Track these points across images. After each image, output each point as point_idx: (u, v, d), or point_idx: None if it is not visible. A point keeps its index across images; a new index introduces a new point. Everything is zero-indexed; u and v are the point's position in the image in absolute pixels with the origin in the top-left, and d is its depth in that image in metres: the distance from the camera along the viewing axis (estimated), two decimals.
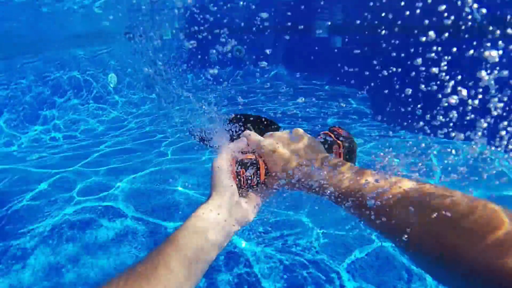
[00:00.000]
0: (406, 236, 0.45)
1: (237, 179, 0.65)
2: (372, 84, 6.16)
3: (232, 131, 0.77)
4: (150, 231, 2.18)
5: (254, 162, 0.66)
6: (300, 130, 0.70)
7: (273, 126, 0.82)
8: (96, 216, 2.31)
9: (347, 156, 0.71)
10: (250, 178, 0.65)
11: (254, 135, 0.71)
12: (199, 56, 7.37)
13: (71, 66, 5.31)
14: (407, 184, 0.50)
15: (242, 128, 0.78)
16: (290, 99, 5.71)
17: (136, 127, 4.87)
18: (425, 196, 0.46)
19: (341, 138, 0.72)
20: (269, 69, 7.64)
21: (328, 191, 0.58)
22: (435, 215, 0.42)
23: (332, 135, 0.73)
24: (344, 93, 6.12)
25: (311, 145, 0.67)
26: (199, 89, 6.94)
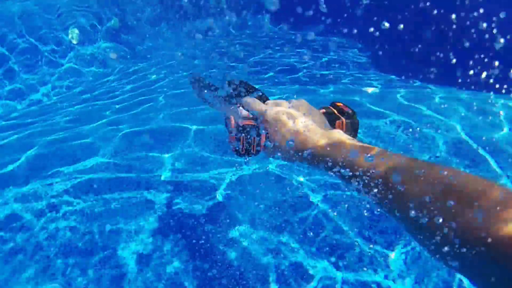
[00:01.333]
0: (418, 214, 0.43)
1: (236, 145, 0.65)
2: (370, 32, 5.59)
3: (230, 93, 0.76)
4: None
5: (256, 128, 0.65)
6: (305, 101, 0.69)
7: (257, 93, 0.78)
8: None
9: (349, 132, 0.69)
10: (250, 144, 0.65)
11: (256, 102, 0.69)
12: (175, 5, 6.61)
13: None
14: (417, 162, 0.49)
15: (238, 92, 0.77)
16: (278, 50, 5.09)
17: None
18: (440, 175, 0.44)
19: (344, 114, 0.70)
20: (254, 18, 6.90)
21: (332, 166, 0.56)
22: (452, 194, 0.41)
23: (335, 111, 0.71)
24: (338, 43, 5.52)
25: (315, 118, 0.66)
26: (177, 42, 6.21)
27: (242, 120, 0.66)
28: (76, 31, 5.41)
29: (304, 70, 3.94)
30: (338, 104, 0.73)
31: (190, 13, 6.72)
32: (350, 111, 0.71)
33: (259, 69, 4.09)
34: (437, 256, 0.43)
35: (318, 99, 2.77)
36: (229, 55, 5.02)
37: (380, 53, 4.73)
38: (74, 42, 5.36)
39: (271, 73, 3.87)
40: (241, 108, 0.72)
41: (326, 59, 4.51)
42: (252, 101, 0.70)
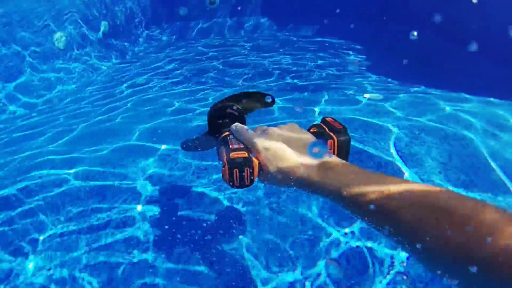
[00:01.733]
0: (415, 241, 0.45)
1: (230, 179, 0.63)
2: (369, 33, 5.39)
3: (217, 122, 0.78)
4: None
5: (248, 160, 0.63)
6: (295, 125, 0.68)
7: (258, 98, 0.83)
8: None
9: (341, 151, 0.67)
10: (243, 176, 0.63)
11: (244, 130, 0.68)
12: (165, 8, 6.39)
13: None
14: (411, 186, 0.49)
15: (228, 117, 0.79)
16: (275, 53, 4.86)
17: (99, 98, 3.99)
18: (433, 198, 0.46)
19: (336, 132, 0.67)
20: (248, 20, 6.67)
21: (326, 193, 0.57)
22: (445, 218, 0.42)
23: (326, 128, 0.69)
24: (336, 45, 5.31)
25: (306, 142, 0.64)
26: (167, 46, 5.98)
27: (233, 153, 0.64)
28: (63, 36, 5.18)
29: (300, 74, 3.72)
30: (328, 119, 0.71)
31: (182, 15, 6.50)
32: (340, 127, 0.68)
33: (250, 73, 3.86)
34: (433, 272, 0.45)
35: (314, 105, 2.55)
36: (219, 58, 4.79)
37: (380, 55, 4.53)
38: (61, 47, 5.13)
39: (264, 78, 3.65)
40: (231, 137, 0.69)
41: (324, 61, 4.29)
42: (241, 129, 0.68)
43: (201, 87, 3.51)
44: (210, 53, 5.16)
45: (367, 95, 2.65)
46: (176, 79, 3.97)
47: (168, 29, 6.52)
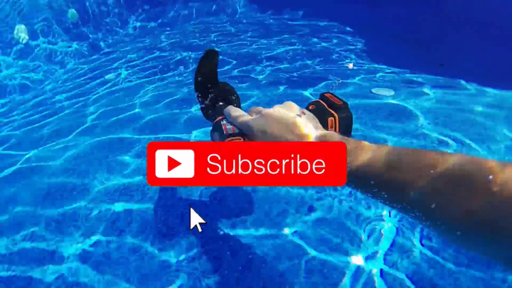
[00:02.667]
0: (433, 214, 0.41)
1: None
2: (366, 13, 5.01)
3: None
4: None
5: None
6: (293, 104, 0.63)
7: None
8: None
9: (343, 128, 0.63)
10: None
11: (239, 113, 0.64)
12: None
13: None
14: (420, 154, 0.44)
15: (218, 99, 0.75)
16: (260, 38, 4.45)
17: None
18: (446, 165, 0.41)
19: (336, 108, 0.63)
20: (230, 2, 6.18)
21: None
22: (463, 186, 0.38)
23: (325, 105, 0.64)
24: (327, 28, 4.91)
25: (307, 122, 0.60)
26: (144, 32, 5.48)
27: (227, 139, 0.60)
28: (24, 28, 4.64)
29: (288, 63, 3.35)
30: (327, 95, 0.66)
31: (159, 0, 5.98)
32: (341, 103, 0.63)
33: (230, 62, 3.47)
34: (457, 245, 0.41)
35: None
36: (193, 46, 4.36)
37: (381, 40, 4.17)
38: (22, 41, 4.60)
39: (245, 68, 3.26)
40: (224, 121, 0.65)
41: (315, 48, 3.91)
42: (234, 112, 0.65)
43: (179, 78, 3.11)
44: (190, 40, 4.71)
45: (383, 92, 2.30)
46: (149, 71, 3.55)
47: (143, 15, 5.99)
